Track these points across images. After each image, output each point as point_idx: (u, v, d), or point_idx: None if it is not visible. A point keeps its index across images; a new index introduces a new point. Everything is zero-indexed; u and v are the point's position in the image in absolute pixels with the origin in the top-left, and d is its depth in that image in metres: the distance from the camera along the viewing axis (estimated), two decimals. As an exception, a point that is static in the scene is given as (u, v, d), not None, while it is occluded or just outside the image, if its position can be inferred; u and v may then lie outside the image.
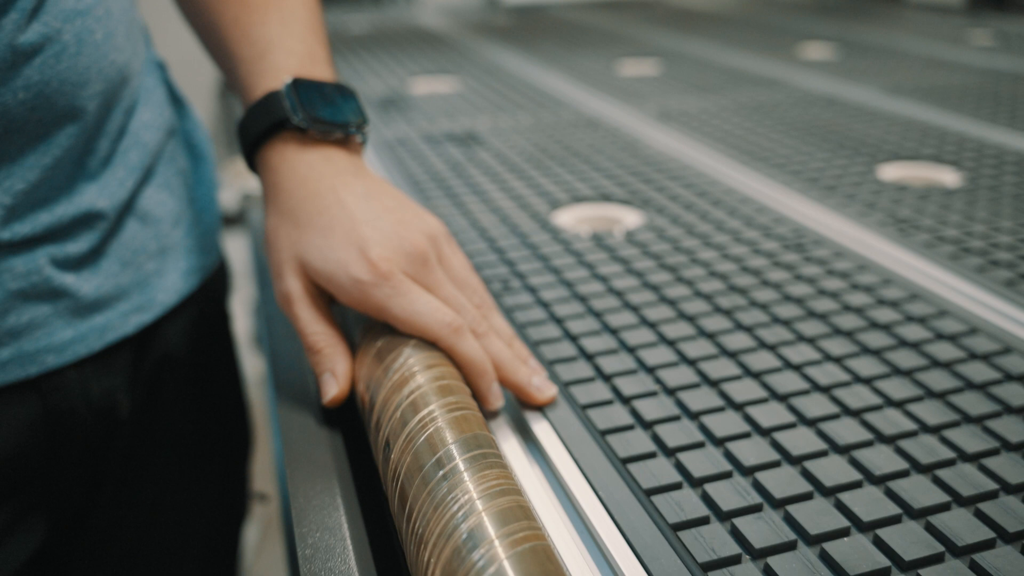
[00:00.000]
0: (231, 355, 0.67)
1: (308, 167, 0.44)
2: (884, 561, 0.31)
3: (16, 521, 0.50)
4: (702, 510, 0.34)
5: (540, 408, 0.42)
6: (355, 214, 0.42)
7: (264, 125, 0.45)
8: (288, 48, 0.48)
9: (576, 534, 0.35)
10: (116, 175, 0.51)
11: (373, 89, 1.12)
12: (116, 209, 0.51)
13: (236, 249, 1.46)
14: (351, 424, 0.44)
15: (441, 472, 0.31)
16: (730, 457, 0.38)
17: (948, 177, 0.75)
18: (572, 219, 0.68)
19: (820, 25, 1.59)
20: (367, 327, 0.44)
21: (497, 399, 0.41)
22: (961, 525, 0.33)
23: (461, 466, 0.31)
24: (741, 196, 0.71)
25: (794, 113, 0.96)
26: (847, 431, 0.40)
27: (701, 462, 0.37)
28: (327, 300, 0.44)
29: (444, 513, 0.29)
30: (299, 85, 0.46)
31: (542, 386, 0.42)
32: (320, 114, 0.45)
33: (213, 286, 0.62)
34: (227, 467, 0.69)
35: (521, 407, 0.43)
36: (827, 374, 0.44)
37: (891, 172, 0.77)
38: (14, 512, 0.50)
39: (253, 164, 0.47)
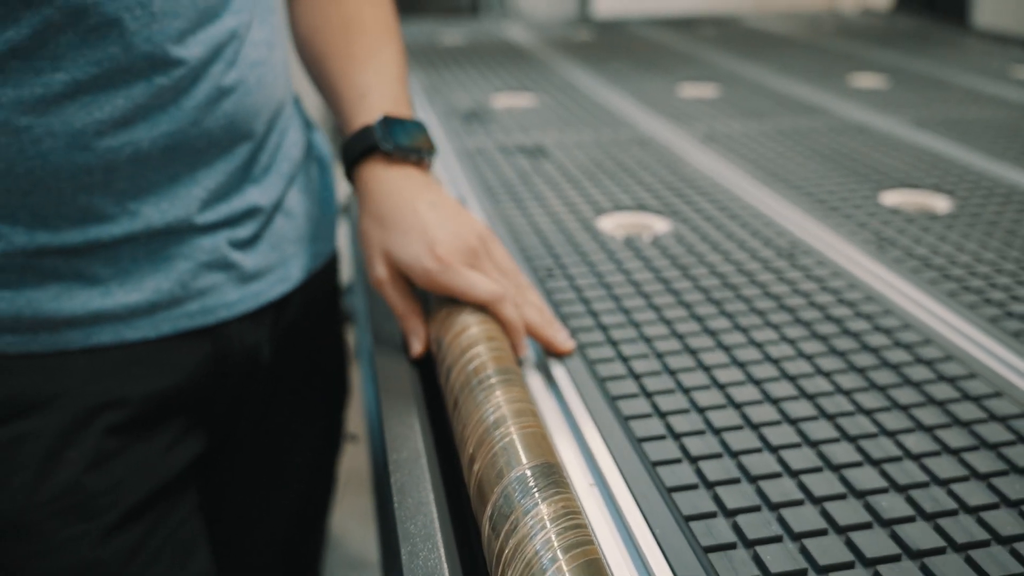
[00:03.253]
0: (339, 321, 0.86)
1: (391, 182, 0.62)
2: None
3: (186, 431, 0.69)
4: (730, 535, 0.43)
5: (561, 356, 0.59)
6: (426, 220, 0.59)
7: (360, 149, 0.63)
8: (381, 93, 0.66)
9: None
10: (272, 181, 0.70)
11: (461, 102, 1.30)
12: (271, 206, 0.69)
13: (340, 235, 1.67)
14: (427, 377, 0.61)
15: (480, 386, 0.47)
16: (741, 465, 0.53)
17: (940, 204, 0.88)
18: (611, 224, 0.84)
19: (878, 53, 1.70)
20: (438, 301, 0.61)
21: (525, 349, 0.58)
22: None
23: (494, 381, 0.47)
24: (753, 210, 0.85)
25: (825, 140, 1.09)
26: (829, 436, 0.54)
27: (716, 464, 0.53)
28: (408, 282, 0.61)
29: (479, 411, 0.46)
30: (387, 121, 0.64)
31: (563, 340, 0.58)
32: (401, 143, 0.63)
33: (330, 268, 0.80)
34: (331, 409, 0.87)
35: (548, 357, 0.59)
36: (803, 374, 0.59)
37: (892, 198, 0.90)
38: (185, 425, 0.69)
39: (351, 177, 0.65)
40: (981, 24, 2.01)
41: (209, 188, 0.63)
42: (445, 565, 0.41)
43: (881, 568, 0.39)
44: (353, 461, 1.70)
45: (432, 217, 0.60)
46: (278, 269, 0.70)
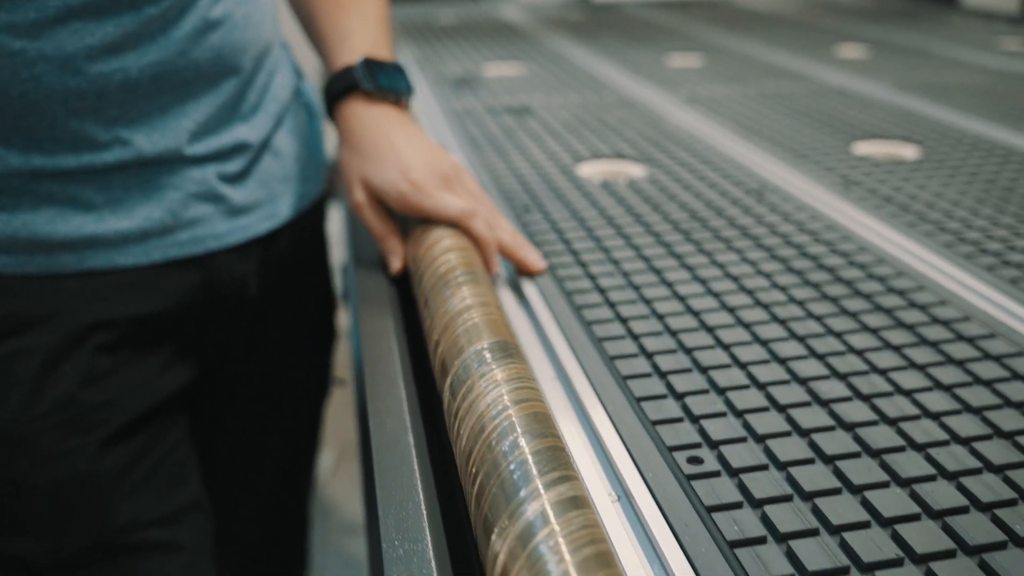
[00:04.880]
0: (325, 263, 0.88)
1: (371, 118, 0.65)
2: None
3: (176, 358, 0.72)
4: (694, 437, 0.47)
5: (532, 276, 0.61)
6: (401, 150, 0.62)
7: (342, 87, 0.66)
8: (363, 35, 0.69)
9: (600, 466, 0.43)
10: (260, 119, 0.72)
11: (451, 70, 1.32)
12: (258, 144, 0.72)
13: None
14: (404, 296, 0.64)
15: (448, 284, 0.50)
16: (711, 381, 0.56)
17: (908, 152, 0.91)
18: (590, 170, 0.87)
19: (863, 27, 1.72)
20: (414, 223, 0.63)
21: (497, 266, 0.60)
22: None
23: (461, 279, 0.50)
24: (726, 158, 0.88)
25: (804, 102, 1.12)
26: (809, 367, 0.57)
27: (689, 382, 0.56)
28: (385, 207, 0.64)
29: (446, 304, 0.49)
30: (368, 62, 0.67)
31: (535, 260, 0.61)
32: (381, 83, 0.66)
33: (317, 209, 0.83)
34: (318, 350, 0.90)
35: (518, 276, 0.62)
36: (777, 303, 0.62)
37: (863, 148, 0.92)
38: (174, 351, 0.72)
39: (332, 115, 0.68)
40: (969, 3, 2.03)
41: (198, 120, 0.66)
42: (420, 488, 0.41)
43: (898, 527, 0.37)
44: (351, 433, 1.73)
45: (407, 148, 0.63)
46: (266, 205, 0.73)
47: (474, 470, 0.36)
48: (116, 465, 0.66)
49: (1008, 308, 0.57)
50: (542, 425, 0.37)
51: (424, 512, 0.38)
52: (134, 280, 0.66)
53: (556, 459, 0.35)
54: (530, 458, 0.34)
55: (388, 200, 0.62)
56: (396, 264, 0.62)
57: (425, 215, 0.61)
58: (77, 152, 0.61)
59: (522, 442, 0.35)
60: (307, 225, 0.81)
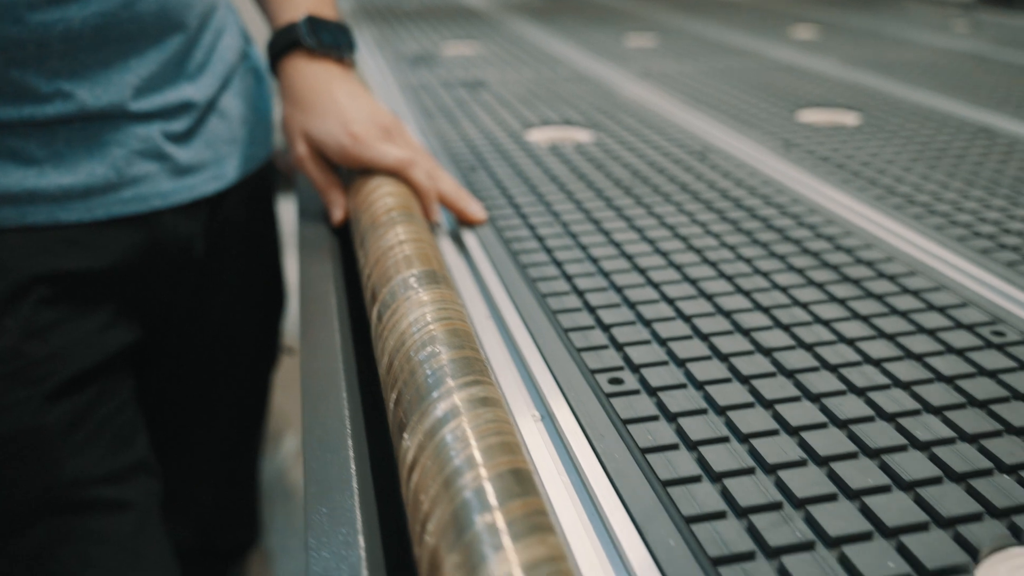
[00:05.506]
0: (274, 229, 0.89)
1: (313, 74, 0.66)
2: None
3: (121, 315, 0.72)
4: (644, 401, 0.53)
5: (473, 226, 0.62)
6: (342, 104, 0.63)
7: (284, 43, 0.67)
8: None
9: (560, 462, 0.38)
10: (206, 79, 0.73)
11: (409, 49, 1.33)
12: (204, 104, 0.72)
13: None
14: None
15: (383, 224, 0.51)
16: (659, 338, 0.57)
17: (850, 119, 0.93)
18: (538, 136, 0.88)
19: (818, 11, 1.75)
20: (355, 175, 0.64)
21: (437, 214, 0.61)
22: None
23: (397, 218, 0.51)
24: (673, 124, 0.90)
25: (754, 76, 1.14)
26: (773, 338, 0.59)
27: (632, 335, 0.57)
28: (327, 160, 0.65)
29: (381, 240, 0.49)
30: (311, 19, 0.67)
31: (476, 210, 0.62)
32: (323, 39, 0.67)
33: (265, 173, 0.84)
34: (266, 316, 0.90)
35: (459, 227, 0.63)
36: (719, 255, 0.63)
37: (806, 115, 0.94)
38: (119, 308, 0.72)
39: (275, 71, 0.69)
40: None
41: (142, 76, 0.66)
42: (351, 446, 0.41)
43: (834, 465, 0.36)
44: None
45: (348, 102, 0.64)
46: (212, 166, 0.74)
47: (393, 380, 0.37)
48: (62, 420, 0.66)
49: (925, 247, 0.59)
50: (461, 339, 0.38)
51: (348, 430, 0.39)
52: (77, 236, 0.66)
53: (472, 367, 0.36)
54: (446, 365, 0.35)
55: (329, 152, 0.63)
56: (338, 214, 0.63)
57: (365, 166, 0.62)
58: (18, 104, 0.62)
59: (440, 351, 0.36)
60: (256, 189, 0.81)
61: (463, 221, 0.63)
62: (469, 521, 0.27)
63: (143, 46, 0.66)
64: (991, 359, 0.45)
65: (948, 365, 0.44)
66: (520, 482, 0.29)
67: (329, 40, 0.68)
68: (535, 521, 0.27)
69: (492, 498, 0.28)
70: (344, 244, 0.64)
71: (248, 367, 0.89)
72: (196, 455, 0.88)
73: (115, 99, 0.65)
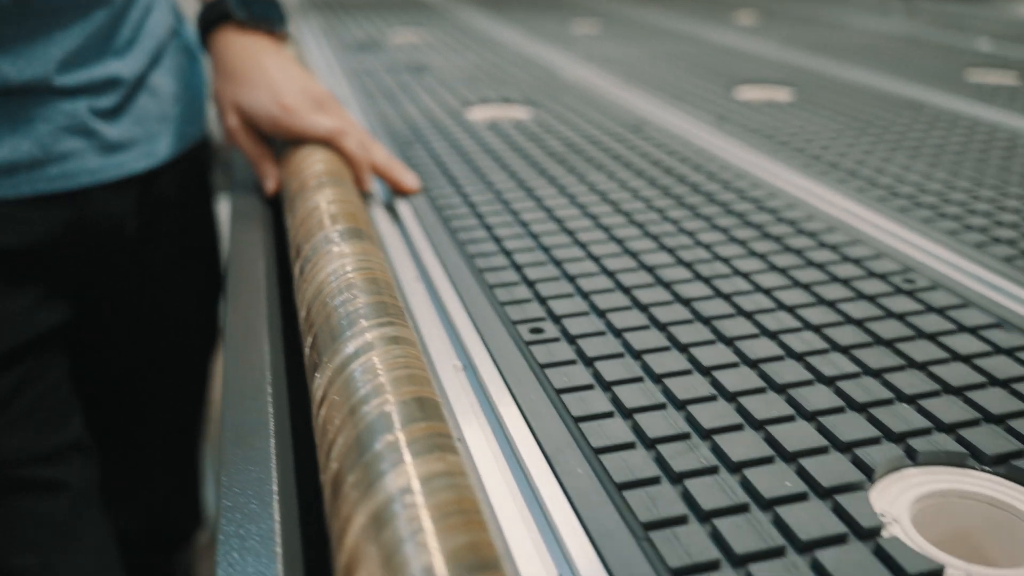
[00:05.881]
0: (211, 209, 0.88)
1: (243, 47, 0.66)
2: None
3: (51, 294, 0.71)
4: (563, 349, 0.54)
5: (407, 196, 0.63)
6: (273, 75, 0.63)
7: (214, 16, 0.67)
8: None
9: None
10: (134, 55, 0.72)
11: (354, 36, 1.33)
12: (132, 80, 0.72)
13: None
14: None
15: (312, 188, 0.52)
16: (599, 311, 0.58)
17: (783, 95, 0.95)
18: (478, 115, 0.89)
19: None
20: (287, 146, 0.64)
21: (370, 183, 0.62)
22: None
23: (326, 181, 0.52)
24: (610, 102, 0.91)
25: (694, 59, 1.16)
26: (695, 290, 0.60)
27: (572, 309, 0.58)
28: (259, 132, 0.65)
29: (308, 203, 0.50)
30: None
31: (410, 180, 0.63)
32: (253, 12, 0.67)
33: (200, 152, 0.83)
34: (202, 298, 0.90)
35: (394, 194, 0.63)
36: (643, 215, 0.64)
37: (742, 92, 0.96)
38: (49, 287, 0.71)
39: (206, 45, 0.69)
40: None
41: (67, 50, 0.65)
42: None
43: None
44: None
45: (279, 74, 0.64)
46: (143, 144, 0.73)
47: (309, 326, 0.37)
48: (-9, 399, 0.65)
49: (846, 207, 0.60)
50: (379, 287, 0.39)
51: (268, 379, 0.39)
52: (2, 213, 0.65)
53: (387, 311, 0.36)
54: (361, 308, 0.36)
55: (260, 124, 0.63)
56: (270, 185, 0.63)
57: (297, 136, 0.62)
58: (-60, 78, 0.61)
59: (356, 296, 0.37)
60: (190, 168, 0.81)
61: (397, 191, 0.64)
62: (371, 442, 0.27)
63: (68, 20, 0.65)
64: (900, 303, 0.47)
65: (858, 309, 0.46)
66: (424, 408, 0.30)
67: (260, 13, 0.68)
68: (436, 441, 0.28)
69: (395, 421, 0.28)
70: (277, 215, 0.64)
71: (187, 351, 0.89)
72: (137, 442, 0.87)
73: (39, 73, 0.64)
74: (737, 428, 0.36)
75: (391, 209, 0.63)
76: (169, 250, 0.81)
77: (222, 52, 0.66)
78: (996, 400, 0.38)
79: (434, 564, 0.22)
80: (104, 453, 0.78)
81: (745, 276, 0.50)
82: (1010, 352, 0.42)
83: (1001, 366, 0.41)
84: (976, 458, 0.35)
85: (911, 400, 0.38)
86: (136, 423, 0.86)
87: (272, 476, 0.32)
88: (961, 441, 0.35)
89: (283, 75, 0.64)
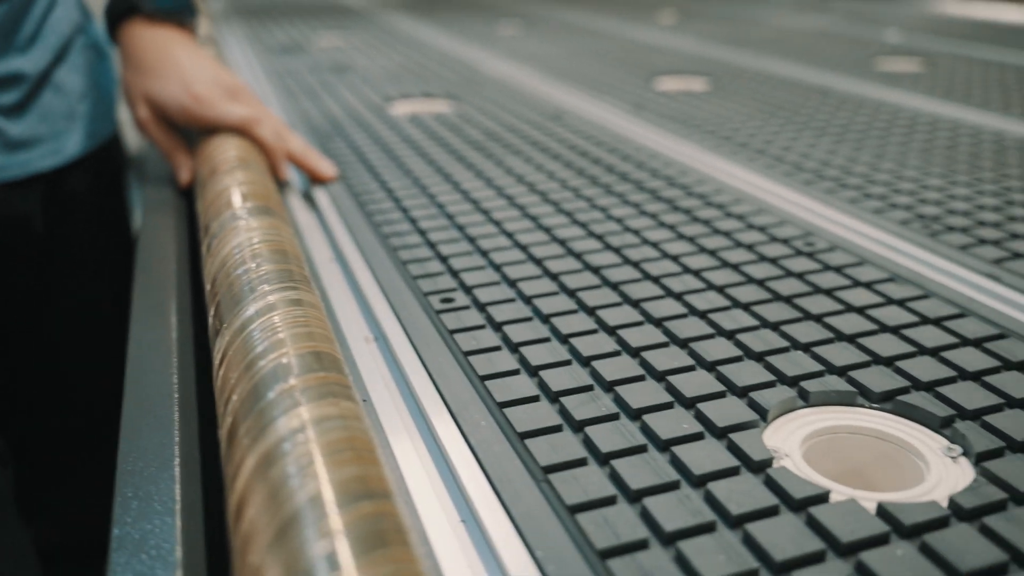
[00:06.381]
0: (125, 207, 0.87)
1: (152, 39, 0.65)
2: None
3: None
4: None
5: (324, 183, 0.63)
6: (184, 66, 0.63)
7: (122, 9, 0.66)
8: None
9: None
10: (38, 52, 0.71)
11: (278, 40, 1.32)
12: (36, 77, 0.70)
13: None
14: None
15: (223, 172, 0.51)
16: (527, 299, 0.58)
17: (699, 85, 0.97)
18: (400, 109, 0.89)
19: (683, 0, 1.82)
20: (201, 137, 0.64)
21: (286, 172, 0.62)
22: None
23: (237, 166, 0.52)
24: (530, 94, 0.92)
25: (616, 55, 1.18)
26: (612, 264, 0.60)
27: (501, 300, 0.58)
28: (172, 123, 0.64)
29: (217, 185, 0.49)
30: None
31: (326, 167, 0.63)
32: (161, 4, 0.66)
33: (110, 151, 0.82)
34: (119, 298, 0.87)
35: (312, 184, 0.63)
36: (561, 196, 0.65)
37: (660, 84, 0.98)
38: None
39: (115, 38, 0.68)
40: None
41: None
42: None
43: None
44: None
45: (190, 64, 0.64)
46: (49, 142, 0.72)
47: (213, 296, 0.37)
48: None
49: (752, 181, 0.62)
50: (286, 257, 0.39)
51: (175, 359, 0.39)
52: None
53: (291, 277, 0.37)
54: (265, 275, 0.36)
55: (172, 114, 0.63)
56: (184, 176, 0.62)
57: (210, 125, 0.61)
58: None
59: (260, 264, 0.37)
60: (101, 166, 0.79)
61: (314, 179, 0.64)
62: (265, 392, 0.28)
63: None
64: (800, 264, 0.48)
65: (760, 270, 0.47)
66: (320, 360, 0.30)
67: (168, 5, 0.67)
68: (331, 389, 0.28)
69: (291, 371, 0.28)
70: (191, 205, 0.63)
71: (103, 352, 0.87)
72: (54, 447, 0.84)
73: (-61, 69, 0.63)
74: (639, 379, 0.37)
75: (308, 198, 0.63)
76: (82, 247, 0.79)
77: (131, 44, 0.66)
78: (886, 344, 0.40)
79: (322, 492, 0.22)
80: (21, 460, 0.76)
81: (654, 245, 0.51)
82: (901, 303, 0.44)
83: (892, 315, 0.42)
84: (865, 396, 0.36)
85: (806, 348, 0.39)
86: (53, 427, 0.84)
87: (174, 440, 0.32)
88: (851, 381, 0.37)
89: (194, 65, 0.63)
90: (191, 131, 0.65)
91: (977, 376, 0.37)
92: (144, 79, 0.64)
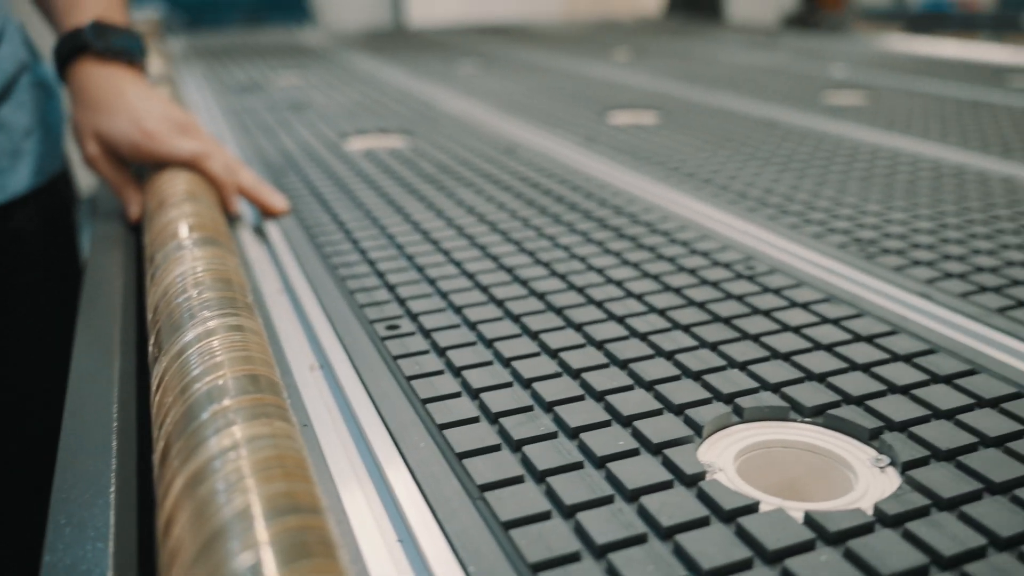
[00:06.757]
0: (75, 244, 0.86)
1: (102, 77, 0.66)
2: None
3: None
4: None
5: (276, 217, 0.63)
6: (133, 102, 0.63)
7: (71, 48, 0.67)
8: (93, 5, 0.70)
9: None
10: None
11: (237, 79, 1.33)
12: None
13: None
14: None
15: (170, 205, 0.52)
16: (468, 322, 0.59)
17: (649, 119, 1.00)
18: (355, 145, 0.90)
19: (639, 38, 1.86)
20: (150, 172, 0.64)
21: (236, 206, 0.62)
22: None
23: (185, 199, 0.52)
24: (485, 128, 0.94)
25: (572, 90, 1.20)
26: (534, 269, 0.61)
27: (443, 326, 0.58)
28: (121, 159, 0.65)
29: (165, 217, 0.50)
30: (97, 24, 0.67)
31: (278, 201, 0.63)
32: (112, 44, 0.67)
33: (59, 186, 0.82)
34: (68, 335, 0.87)
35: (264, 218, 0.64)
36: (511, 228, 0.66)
37: (613, 118, 1.01)
38: None
39: (64, 77, 0.68)
40: (734, 18, 2.24)
41: None
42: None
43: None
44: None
45: (140, 100, 0.64)
46: None
47: (154, 323, 0.37)
48: None
49: (698, 209, 0.64)
50: (230, 286, 0.39)
51: (116, 384, 0.39)
52: None
53: (233, 304, 0.37)
54: (207, 302, 0.36)
55: (122, 150, 0.63)
56: (134, 211, 0.62)
57: (160, 161, 0.62)
58: None
59: (202, 292, 0.37)
60: (49, 202, 0.79)
61: (265, 213, 0.64)
62: (199, 413, 0.28)
63: None
64: (740, 286, 0.49)
65: (701, 293, 0.48)
66: (257, 383, 0.30)
67: (118, 43, 0.67)
68: (265, 410, 0.28)
69: (225, 393, 0.29)
70: (140, 240, 0.63)
71: (50, 388, 0.86)
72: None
73: None
74: (578, 399, 0.37)
75: (260, 231, 0.63)
76: (30, 284, 0.78)
77: (81, 82, 0.66)
78: (819, 361, 0.41)
79: (249, 506, 0.23)
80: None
81: (599, 271, 0.52)
82: (836, 321, 0.45)
83: (827, 333, 0.44)
84: (797, 411, 0.37)
85: (742, 367, 0.40)
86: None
87: (110, 468, 0.32)
88: (785, 397, 0.38)
89: (143, 101, 0.64)
90: (142, 167, 0.65)
91: (906, 390, 0.38)
92: (94, 116, 0.64)
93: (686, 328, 0.44)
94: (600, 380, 0.39)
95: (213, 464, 0.25)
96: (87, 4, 0.69)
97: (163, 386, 0.31)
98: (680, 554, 0.28)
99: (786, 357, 0.41)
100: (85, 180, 0.89)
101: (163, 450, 0.28)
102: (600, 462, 0.33)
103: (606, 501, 0.31)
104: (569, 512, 0.30)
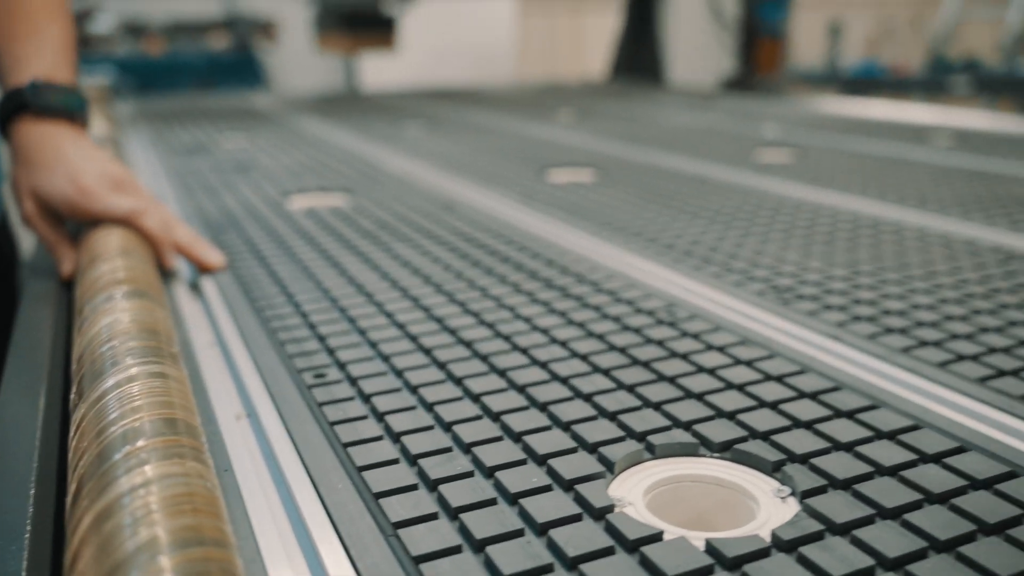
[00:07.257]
0: (14, 298, 0.85)
1: (42, 135, 0.66)
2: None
3: None
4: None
5: (212, 272, 0.64)
6: (71, 159, 0.64)
7: (11, 107, 0.67)
8: (36, 62, 0.70)
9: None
10: None
11: (183, 141, 1.34)
12: None
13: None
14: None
15: (102, 259, 0.52)
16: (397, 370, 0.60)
17: (586, 176, 1.03)
18: (297, 204, 0.91)
19: (583, 100, 1.92)
20: (85, 229, 0.65)
21: (172, 261, 0.63)
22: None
23: (117, 254, 0.53)
24: (425, 186, 0.96)
25: (514, 150, 1.24)
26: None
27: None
28: (58, 217, 0.65)
29: (97, 273, 0.50)
30: (36, 84, 0.68)
31: (214, 257, 0.64)
32: (50, 101, 0.68)
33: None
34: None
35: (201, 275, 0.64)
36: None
37: (552, 176, 1.04)
38: None
39: (5, 135, 0.69)
40: (674, 81, 2.32)
41: None
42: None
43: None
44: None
45: (77, 157, 0.65)
46: None
47: (78, 370, 0.38)
48: None
49: (626, 260, 0.66)
50: (156, 336, 0.40)
51: (39, 431, 0.39)
52: None
53: (158, 353, 0.38)
54: (130, 351, 0.37)
55: (58, 207, 0.63)
56: (67, 268, 0.63)
57: (95, 218, 0.62)
58: None
59: (127, 341, 0.38)
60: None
61: (201, 269, 0.65)
62: (112, 455, 0.28)
63: None
64: (661, 332, 0.51)
65: (623, 339, 0.50)
66: (174, 425, 0.31)
67: (59, 101, 0.68)
68: (179, 451, 0.29)
69: (140, 435, 0.29)
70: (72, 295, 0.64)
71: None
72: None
73: None
74: (496, 440, 0.39)
75: (195, 287, 0.64)
76: None
77: (20, 141, 0.67)
78: (730, 400, 0.42)
79: (155, 538, 0.23)
80: None
81: (526, 320, 0.54)
82: (748, 363, 0.47)
83: (739, 374, 0.46)
84: (706, 446, 0.39)
85: (657, 407, 0.42)
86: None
87: (27, 515, 0.32)
88: (695, 434, 0.39)
89: (82, 159, 0.65)
90: (80, 226, 0.66)
91: (809, 424, 0.40)
92: (32, 173, 0.64)
93: (606, 371, 0.46)
94: (519, 422, 0.40)
95: (122, 501, 0.25)
96: (30, 62, 0.70)
97: (80, 430, 0.32)
98: (584, 582, 0.29)
99: (699, 397, 0.43)
100: (27, 241, 0.89)
101: (75, 492, 0.28)
102: (513, 498, 0.34)
103: (516, 535, 0.32)
104: (479, 546, 0.31)
